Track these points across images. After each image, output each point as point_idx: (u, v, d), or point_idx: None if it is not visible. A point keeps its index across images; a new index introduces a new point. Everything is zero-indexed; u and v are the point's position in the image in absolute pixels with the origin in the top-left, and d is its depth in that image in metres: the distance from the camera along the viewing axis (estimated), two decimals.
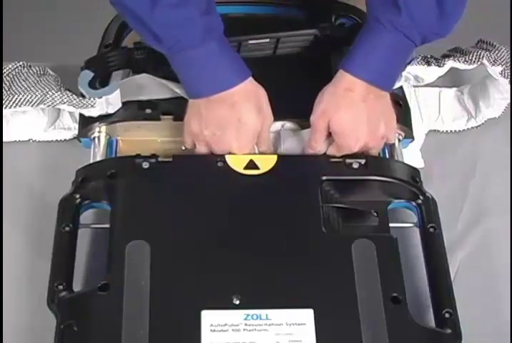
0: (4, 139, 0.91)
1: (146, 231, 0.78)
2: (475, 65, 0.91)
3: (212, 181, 0.82)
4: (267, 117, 0.84)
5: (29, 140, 0.92)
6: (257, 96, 0.83)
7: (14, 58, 0.93)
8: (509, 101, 0.95)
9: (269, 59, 0.91)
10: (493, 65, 0.91)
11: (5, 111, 0.87)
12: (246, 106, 0.81)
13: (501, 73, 0.92)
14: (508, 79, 0.92)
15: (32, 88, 0.87)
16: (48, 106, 0.86)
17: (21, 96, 0.86)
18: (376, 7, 0.82)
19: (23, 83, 0.88)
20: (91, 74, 0.87)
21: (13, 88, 0.87)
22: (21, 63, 0.90)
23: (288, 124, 0.88)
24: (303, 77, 0.92)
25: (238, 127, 0.82)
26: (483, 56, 0.90)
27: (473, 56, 0.91)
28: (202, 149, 0.84)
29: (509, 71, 0.91)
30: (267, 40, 0.90)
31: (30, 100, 0.86)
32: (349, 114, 0.83)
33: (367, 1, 0.84)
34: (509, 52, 0.92)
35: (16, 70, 0.90)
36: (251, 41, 0.89)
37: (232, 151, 0.83)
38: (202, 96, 0.81)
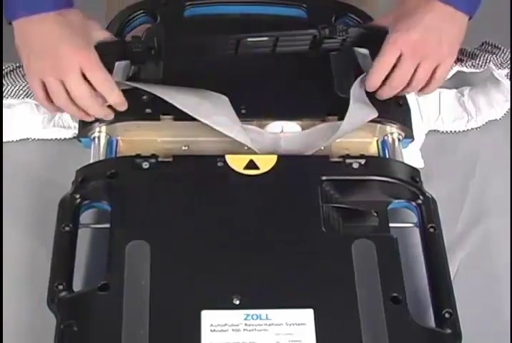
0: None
1: (146, 231, 0.78)
2: (481, 69, 0.91)
3: (211, 181, 0.82)
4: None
5: (27, 139, 0.92)
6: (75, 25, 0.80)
7: (14, 58, 0.93)
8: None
9: (269, 59, 0.91)
10: (500, 68, 0.91)
11: None
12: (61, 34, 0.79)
13: (507, 76, 0.92)
14: None
15: (20, 80, 0.87)
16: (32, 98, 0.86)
17: (8, 87, 0.86)
18: None
19: (12, 76, 0.88)
20: None
21: (3, 82, 0.87)
22: (18, 64, 0.90)
23: (289, 124, 0.88)
24: (303, 77, 0.92)
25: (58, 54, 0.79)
26: (489, 60, 0.91)
27: (480, 60, 0.91)
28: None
29: None
30: (266, 38, 0.90)
31: (16, 92, 0.86)
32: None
33: None
34: None
35: (11, 68, 0.90)
36: (250, 39, 0.89)
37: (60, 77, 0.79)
38: (17, 17, 0.79)
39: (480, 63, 0.91)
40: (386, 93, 0.87)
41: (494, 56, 0.91)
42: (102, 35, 0.84)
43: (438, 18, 0.84)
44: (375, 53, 0.87)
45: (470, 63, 0.91)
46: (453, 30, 0.85)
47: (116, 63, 0.90)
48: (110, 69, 0.90)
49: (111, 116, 0.85)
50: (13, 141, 0.92)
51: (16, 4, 0.79)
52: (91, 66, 0.80)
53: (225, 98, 0.86)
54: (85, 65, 0.80)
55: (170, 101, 0.85)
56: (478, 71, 0.92)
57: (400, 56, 0.84)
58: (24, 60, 0.81)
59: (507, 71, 0.92)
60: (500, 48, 0.93)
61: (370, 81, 0.86)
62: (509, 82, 0.92)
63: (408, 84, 0.86)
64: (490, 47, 0.94)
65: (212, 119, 0.85)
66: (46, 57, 0.80)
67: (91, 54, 0.81)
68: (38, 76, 0.80)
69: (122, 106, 0.85)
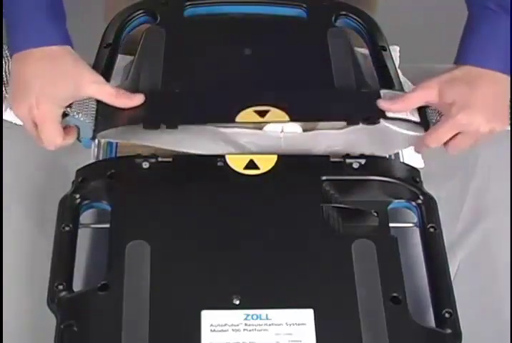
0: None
1: (146, 231, 0.78)
2: None
3: (211, 181, 0.82)
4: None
5: None
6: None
7: None
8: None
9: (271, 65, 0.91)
10: None
11: None
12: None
13: None
14: None
15: None
16: None
17: None
18: None
19: None
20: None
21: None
22: None
23: (290, 124, 0.88)
24: (303, 76, 0.92)
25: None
26: None
27: None
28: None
29: None
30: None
31: None
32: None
33: None
34: None
35: None
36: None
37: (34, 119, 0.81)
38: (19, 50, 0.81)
39: None
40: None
41: None
42: (91, 82, 0.82)
43: (493, 87, 0.82)
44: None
45: None
46: (505, 94, 0.83)
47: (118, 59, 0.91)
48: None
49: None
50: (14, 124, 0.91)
51: (19, 37, 0.81)
52: (42, 123, 0.81)
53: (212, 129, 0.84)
54: (38, 120, 0.81)
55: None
56: None
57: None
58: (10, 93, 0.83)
59: None
60: None
61: (427, 142, 0.84)
62: None
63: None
64: None
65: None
66: (19, 98, 0.81)
67: (48, 111, 0.81)
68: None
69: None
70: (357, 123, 0.83)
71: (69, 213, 0.80)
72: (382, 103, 0.84)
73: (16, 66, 0.82)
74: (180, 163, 0.83)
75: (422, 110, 0.86)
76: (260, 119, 0.83)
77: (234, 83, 0.89)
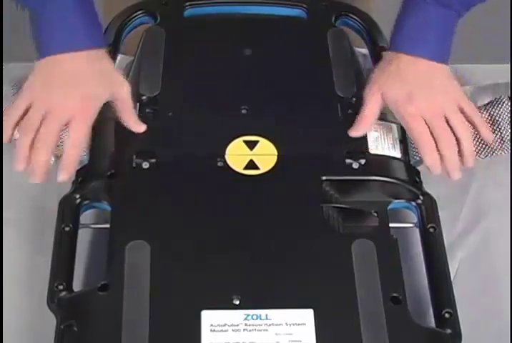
0: None
1: (146, 231, 0.78)
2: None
3: (211, 181, 0.82)
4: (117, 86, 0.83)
5: None
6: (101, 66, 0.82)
7: (14, 58, 0.93)
8: None
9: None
10: None
11: None
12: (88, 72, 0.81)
13: None
14: None
15: None
16: None
17: None
18: None
19: None
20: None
21: None
22: None
23: None
24: (303, 77, 0.92)
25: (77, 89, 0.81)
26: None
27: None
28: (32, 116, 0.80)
29: None
30: None
31: None
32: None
33: None
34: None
35: None
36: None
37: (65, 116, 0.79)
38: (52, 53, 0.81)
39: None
40: (454, 162, 0.84)
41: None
42: (121, 89, 0.83)
43: (420, 70, 0.84)
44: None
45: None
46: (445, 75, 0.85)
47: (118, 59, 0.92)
48: None
49: (42, 169, 0.79)
50: None
51: (52, 40, 0.81)
52: (80, 120, 0.80)
53: None
54: (75, 117, 0.80)
55: None
56: None
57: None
58: (30, 86, 0.81)
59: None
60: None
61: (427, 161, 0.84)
62: None
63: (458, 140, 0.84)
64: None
65: None
66: (53, 89, 0.80)
67: (91, 109, 0.81)
68: (32, 99, 0.80)
69: (64, 173, 0.80)
70: (340, 160, 0.83)
71: (68, 213, 0.80)
72: (351, 134, 0.85)
73: (51, 66, 0.81)
74: (180, 163, 0.83)
75: (403, 146, 0.87)
76: (249, 152, 0.84)
77: (233, 86, 0.89)
